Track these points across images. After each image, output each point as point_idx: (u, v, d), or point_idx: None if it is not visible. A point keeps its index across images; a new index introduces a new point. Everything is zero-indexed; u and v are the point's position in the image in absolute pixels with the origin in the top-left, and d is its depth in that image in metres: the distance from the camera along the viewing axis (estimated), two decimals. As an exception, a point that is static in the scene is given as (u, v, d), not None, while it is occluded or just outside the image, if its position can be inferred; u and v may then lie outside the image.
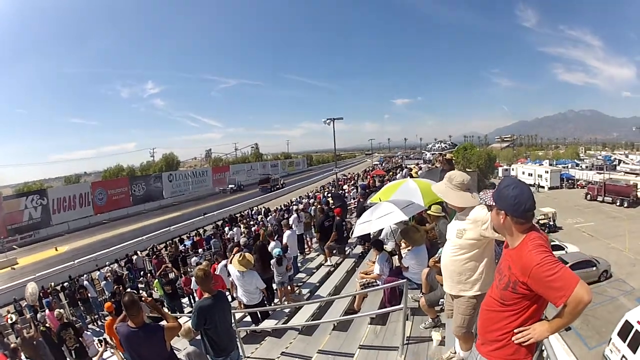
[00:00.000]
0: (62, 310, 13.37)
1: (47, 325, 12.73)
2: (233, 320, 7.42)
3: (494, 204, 2.93)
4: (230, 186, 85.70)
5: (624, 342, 15.95)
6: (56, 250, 42.23)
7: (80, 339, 11.52)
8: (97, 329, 18.52)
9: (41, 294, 20.55)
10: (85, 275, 23.13)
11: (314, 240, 17.62)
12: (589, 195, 58.47)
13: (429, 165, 29.88)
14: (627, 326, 16.23)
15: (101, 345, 10.29)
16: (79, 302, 19.90)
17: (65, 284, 23.31)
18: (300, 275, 14.11)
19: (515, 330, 2.79)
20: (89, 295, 20.37)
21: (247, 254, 9.76)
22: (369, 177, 43.36)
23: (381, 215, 8.03)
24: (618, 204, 52.41)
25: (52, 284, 23.13)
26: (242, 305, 10.13)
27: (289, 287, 11.51)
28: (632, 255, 31.44)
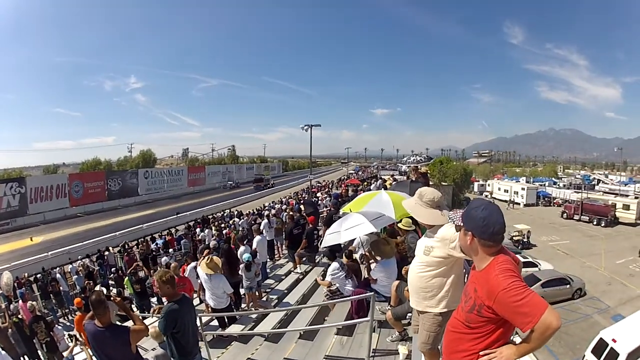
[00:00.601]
0: (34, 303, 13.43)
1: (19, 316, 12.88)
2: (199, 324, 7.29)
3: (462, 224, 2.86)
4: (229, 182, 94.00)
5: (599, 359, 16.10)
6: (31, 240, 41.85)
7: (51, 333, 11.72)
8: (68, 324, 18.49)
9: (15, 284, 20.59)
10: (57, 268, 23.57)
11: (285, 246, 17.42)
12: (565, 214, 58.97)
13: (404, 177, 30.00)
14: (602, 344, 16.41)
15: (71, 340, 10.20)
16: (50, 295, 19.94)
17: (39, 275, 23.18)
18: (268, 281, 14.08)
19: (482, 353, 2.70)
20: (61, 288, 20.43)
21: (214, 257, 9.67)
22: (343, 185, 43.44)
23: (350, 227, 8.01)
24: (595, 223, 52.84)
25: (26, 274, 22.99)
26: (209, 309, 9.97)
27: (257, 293, 11.39)
28: (608, 274, 31.77)
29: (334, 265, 9.05)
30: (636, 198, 61.42)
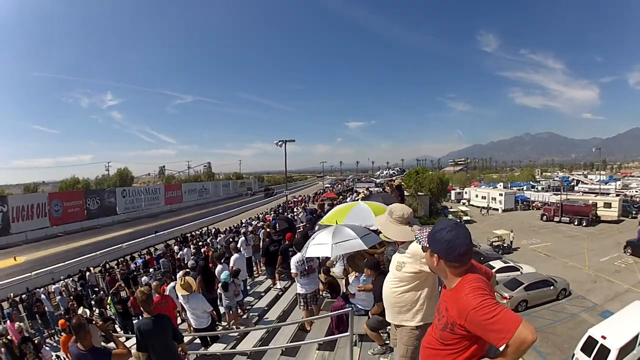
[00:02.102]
0: (22, 324, 13.37)
1: (9, 337, 12.74)
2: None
3: (427, 245, 2.85)
4: (249, 190, 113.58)
5: (589, 357, 16.25)
6: (15, 260, 41.49)
7: (39, 354, 11.76)
8: (55, 344, 18.23)
9: (1, 305, 20.92)
10: (42, 289, 23.45)
11: (262, 263, 17.34)
12: (544, 216, 59.20)
13: (379, 189, 30.18)
14: (591, 341, 16.55)
15: None
16: (36, 316, 19.95)
17: (24, 295, 22.97)
18: (248, 298, 14.05)
19: None
20: (46, 309, 20.41)
21: (187, 278, 9.68)
22: (319, 200, 43.52)
23: (341, 241, 7.88)
24: (576, 223, 53.12)
25: (12, 294, 22.86)
26: (191, 328, 9.92)
27: (238, 311, 11.35)
28: (593, 272, 31.76)
29: (298, 256, 9.30)
30: (617, 195, 62.19)
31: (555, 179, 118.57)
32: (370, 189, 27.51)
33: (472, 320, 2.40)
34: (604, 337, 16.16)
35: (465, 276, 2.62)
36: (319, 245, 8.21)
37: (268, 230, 18.13)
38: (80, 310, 12.99)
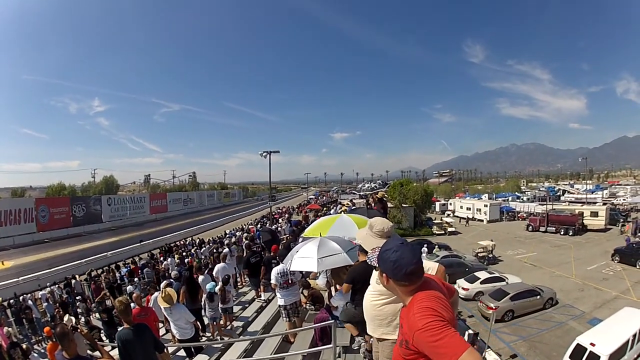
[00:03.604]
0: (10, 329, 13.33)
1: None
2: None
3: (377, 265, 2.90)
4: (257, 197, 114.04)
5: None
6: (2, 264, 41.44)
7: (28, 359, 11.35)
8: (42, 351, 18.08)
9: None
10: (29, 295, 23.83)
11: (245, 274, 17.43)
12: (530, 227, 59.38)
13: (363, 201, 30.25)
14: (580, 349, 16.51)
15: None
16: (23, 321, 19.85)
17: (12, 300, 22.91)
18: (233, 308, 13.93)
19: None
20: (34, 315, 20.34)
21: (168, 289, 9.66)
22: (303, 211, 43.56)
23: (326, 255, 7.84)
24: (562, 233, 53.39)
25: (0, 299, 22.71)
26: (175, 339, 9.87)
27: (222, 321, 11.34)
28: (580, 281, 31.73)
29: (279, 268, 9.45)
30: (604, 204, 62.53)
31: (541, 189, 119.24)
32: (353, 201, 27.60)
33: (418, 341, 2.40)
34: (592, 345, 16.13)
35: (416, 294, 2.63)
36: (304, 259, 8.14)
37: (249, 242, 18.11)
38: (66, 318, 12.96)
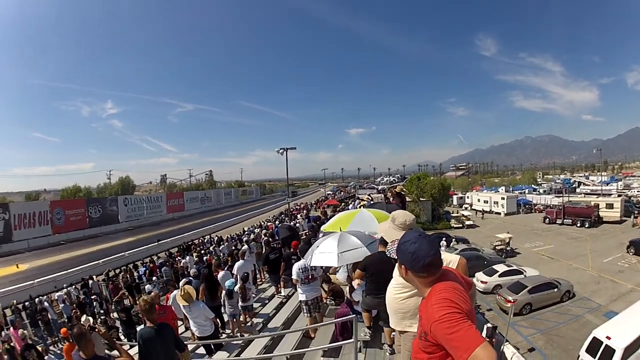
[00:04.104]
0: (25, 331, 13.42)
1: (11, 344, 12.77)
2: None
3: (396, 257, 2.90)
4: (283, 193, 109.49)
5: (594, 358, 16.13)
6: (17, 267, 41.76)
7: None
8: (59, 352, 18.23)
9: (4, 311, 20.95)
10: (45, 297, 23.71)
11: (265, 271, 17.48)
12: (547, 219, 59.15)
13: (381, 196, 30.15)
14: (596, 342, 16.41)
15: None
16: (39, 323, 19.87)
17: (27, 303, 22.98)
18: (253, 304, 13.92)
19: None
20: (50, 317, 20.40)
21: (187, 287, 9.59)
22: (321, 207, 43.49)
23: (346, 250, 7.88)
24: (579, 225, 53.10)
25: (15, 301, 23.02)
26: (194, 337, 9.86)
27: (241, 319, 11.34)
28: (596, 273, 31.60)
29: (300, 263, 9.42)
30: (619, 196, 62.03)
31: (557, 181, 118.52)
32: (371, 196, 27.49)
33: (435, 331, 2.38)
34: (608, 338, 16.02)
35: (435, 285, 2.63)
36: (325, 254, 8.19)
37: (268, 238, 18.09)
38: (83, 319, 13.01)
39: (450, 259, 4.33)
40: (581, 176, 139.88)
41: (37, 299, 23.45)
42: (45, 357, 12.48)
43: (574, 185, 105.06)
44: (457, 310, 2.36)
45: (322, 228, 12.49)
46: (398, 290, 4.25)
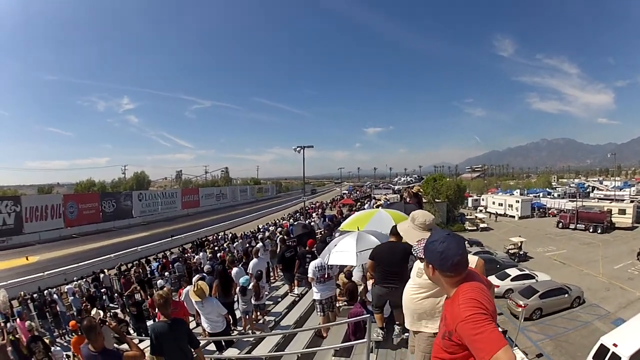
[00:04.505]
0: (32, 323, 13.45)
1: (17, 335, 12.79)
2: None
3: (423, 257, 2.91)
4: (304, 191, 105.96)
5: None
6: (27, 259, 41.87)
7: (50, 353, 11.72)
8: (65, 344, 18.35)
9: (11, 303, 20.72)
10: (54, 289, 23.66)
11: (279, 268, 17.42)
12: (560, 224, 58.99)
13: (397, 196, 30.12)
14: (603, 349, 16.44)
15: None
16: (47, 315, 20.00)
17: (35, 295, 23.06)
18: (266, 303, 13.95)
19: None
20: (58, 309, 20.53)
21: (201, 283, 9.58)
22: (337, 206, 43.50)
23: (365, 249, 7.77)
24: (591, 230, 52.92)
25: (23, 293, 23.12)
26: (206, 333, 9.88)
27: (256, 315, 11.36)
28: (607, 280, 31.63)
29: (317, 262, 9.43)
30: (632, 202, 61.63)
31: (571, 185, 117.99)
32: (387, 197, 27.49)
33: (460, 331, 2.39)
34: (615, 345, 16.07)
35: (461, 285, 2.62)
36: (343, 253, 8.18)
37: (283, 236, 18.08)
38: (93, 312, 13.08)
39: (469, 260, 4.34)
40: (595, 180, 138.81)
41: (46, 291, 23.55)
42: (52, 349, 12.49)
43: (587, 190, 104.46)
44: (483, 311, 2.37)
45: (340, 227, 12.50)
46: (415, 291, 4.28)
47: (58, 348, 14.08)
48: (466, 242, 31.61)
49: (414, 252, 3.36)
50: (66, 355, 12.16)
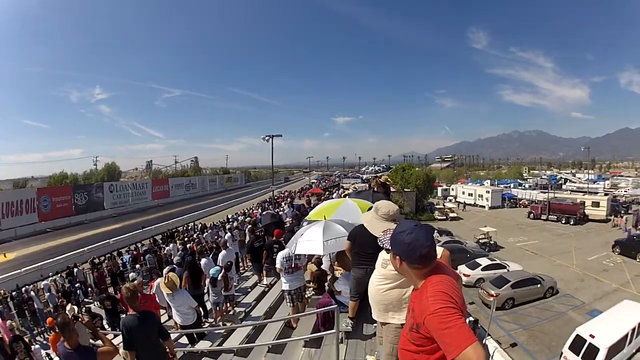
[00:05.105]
0: (13, 322, 13.39)
1: (0, 335, 12.78)
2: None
3: (390, 247, 2.86)
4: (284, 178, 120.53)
5: (577, 355, 16.32)
6: (5, 256, 41.38)
7: (30, 353, 11.54)
8: (45, 342, 18.13)
9: None
10: (31, 286, 23.73)
11: (248, 259, 17.45)
12: (532, 214, 59.63)
13: (366, 185, 30.26)
14: (579, 340, 16.61)
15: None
16: (26, 313, 20.08)
17: (14, 293, 23.03)
18: (235, 294, 13.95)
19: None
20: (36, 306, 20.58)
21: (171, 275, 9.59)
22: (305, 195, 43.66)
23: (332, 238, 7.89)
24: (564, 222, 53.53)
25: (2, 291, 23.02)
26: (177, 326, 9.87)
27: (226, 306, 11.36)
28: (580, 271, 31.90)
29: (285, 252, 9.43)
30: (606, 195, 62.51)
31: (543, 177, 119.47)
32: (355, 186, 27.57)
33: (428, 324, 2.37)
34: (592, 336, 16.21)
35: (430, 277, 2.61)
36: (309, 242, 8.20)
37: (252, 226, 18.08)
38: (68, 307, 12.98)
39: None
40: (568, 173, 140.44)
41: (23, 289, 23.46)
42: (32, 349, 12.38)
43: (560, 182, 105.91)
44: (452, 305, 2.36)
45: (307, 216, 12.53)
46: (380, 282, 4.31)
47: (37, 346, 13.93)
48: (435, 231, 31.72)
49: (379, 243, 3.37)
50: (46, 353, 12.06)
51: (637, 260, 34.11)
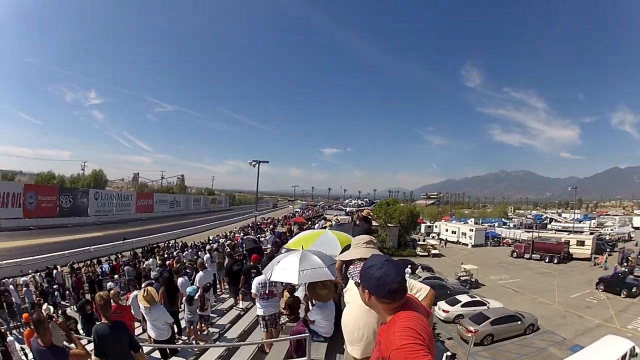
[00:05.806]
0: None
1: None
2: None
3: (359, 281, 2.83)
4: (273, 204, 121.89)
5: None
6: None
7: (5, 343, 11.47)
8: (20, 336, 17.97)
9: None
10: (10, 279, 23.87)
11: (225, 281, 17.52)
12: (515, 253, 59.84)
13: (349, 218, 30.47)
14: None
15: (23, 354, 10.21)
16: (4, 305, 20.01)
17: (-8, 284, 22.97)
18: (211, 315, 13.93)
19: None
20: (13, 300, 20.61)
21: (150, 289, 9.65)
22: (287, 223, 43.78)
23: (308, 268, 7.85)
24: (547, 260, 53.71)
25: (-18, 283, 22.87)
26: (151, 340, 9.82)
27: (200, 325, 11.33)
28: (562, 308, 31.71)
29: (261, 278, 9.43)
30: (591, 234, 62.84)
31: (528, 216, 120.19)
32: (338, 218, 27.65)
33: (394, 359, 2.33)
34: None
35: (399, 312, 2.56)
36: (285, 270, 8.15)
37: (230, 250, 18.15)
38: (44, 307, 12.89)
39: (420, 287, 4.31)
40: (554, 213, 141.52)
41: (2, 280, 23.49)
42: (7, 340, 12.30)
43: (545, 222, 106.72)
44: (419, 341, 2.31)
45: (286, 245, 12.55)
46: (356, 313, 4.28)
47: (11, 338, 13.81)
48: (409, 266, 31.73)
49: (349, 276, 3.36)
50: (21, 347, 11.96)
51: (622, 296, 34.23)
